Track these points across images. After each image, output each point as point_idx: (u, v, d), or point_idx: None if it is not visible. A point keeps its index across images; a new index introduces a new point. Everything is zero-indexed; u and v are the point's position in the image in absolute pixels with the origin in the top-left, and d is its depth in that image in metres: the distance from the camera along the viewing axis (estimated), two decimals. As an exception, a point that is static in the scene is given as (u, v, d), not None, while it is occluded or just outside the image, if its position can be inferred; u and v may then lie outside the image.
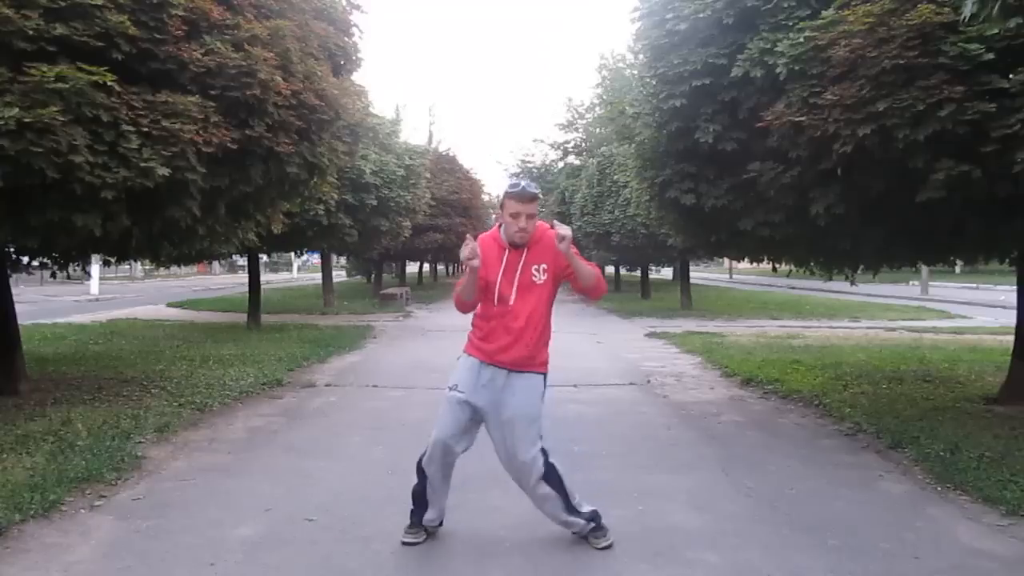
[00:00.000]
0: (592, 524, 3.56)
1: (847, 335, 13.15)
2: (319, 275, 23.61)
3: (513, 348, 3.42)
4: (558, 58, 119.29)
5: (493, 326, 3.46)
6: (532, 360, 3.47)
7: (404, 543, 3.56)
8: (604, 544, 3.52)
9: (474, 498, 4.13)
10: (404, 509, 4.05)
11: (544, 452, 3.49)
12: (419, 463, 3.58)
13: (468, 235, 3.49)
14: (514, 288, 3.41)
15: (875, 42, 4.61)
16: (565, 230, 3.29)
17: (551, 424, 6.09)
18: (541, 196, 3.41)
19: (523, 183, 3.39)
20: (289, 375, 8.42)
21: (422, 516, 3.61)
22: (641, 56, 7.42)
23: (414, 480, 3.61)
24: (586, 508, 3.58)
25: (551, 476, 3.48)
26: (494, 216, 46.01)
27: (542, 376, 3.54)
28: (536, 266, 3.43)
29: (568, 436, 5.71)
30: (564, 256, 3.36)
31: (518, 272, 3.42)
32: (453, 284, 3.26)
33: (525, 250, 3.43)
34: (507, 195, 3.38)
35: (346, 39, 7.57)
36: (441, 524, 3.70)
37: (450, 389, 3.48)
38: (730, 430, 6.10)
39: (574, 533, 3.59)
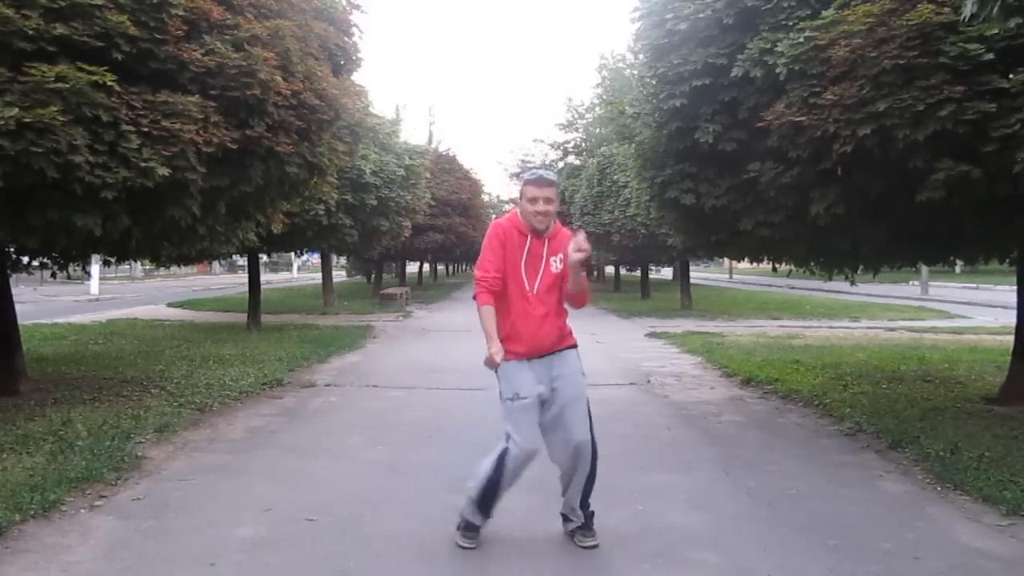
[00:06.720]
0: (586, 522, 3.59)
1: (847, 335, 13.14)
2: (319, 275, 23.61)
3: (543, 335, 3.50)
4: (558, 58, 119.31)
5: (515, 319, 3.47)
6: (563, 337, 3.58)
7: (463, 547, 3.53)
8: (590, 543, 3.54)
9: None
10: (405, 509, 4.07)
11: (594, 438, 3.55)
12: (500, 459, 3.45)
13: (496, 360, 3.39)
14: (539, 276, 3.51)
15: (875, 42, 4.61)
16: (586, 246, 3.43)
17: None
18: (559, 185, 3.51)
19: (541, 171, 3.61)
20: (289, 375, 8.42)
21: (488, 515, 3.56)
22: (641, 56, 7.41)
23: (477, 478, 3.50)
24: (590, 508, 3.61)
25: (595, 461, 3.54)
26: (494, 217, 46.36)
27: (576, 349, 3.65)
28: (555, 256, 3.55)
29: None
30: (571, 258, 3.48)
31: (543, 261, 3.52)
32: (469, 284, 3.20)
33: (547, 240, 3.54)
34: (526, 183, 3.55)
35: (346, 39, 7.58)
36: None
37: (513, 400, 3.43)
38: (730, 430, 6.10)
39: (568, 523, 3.62)
